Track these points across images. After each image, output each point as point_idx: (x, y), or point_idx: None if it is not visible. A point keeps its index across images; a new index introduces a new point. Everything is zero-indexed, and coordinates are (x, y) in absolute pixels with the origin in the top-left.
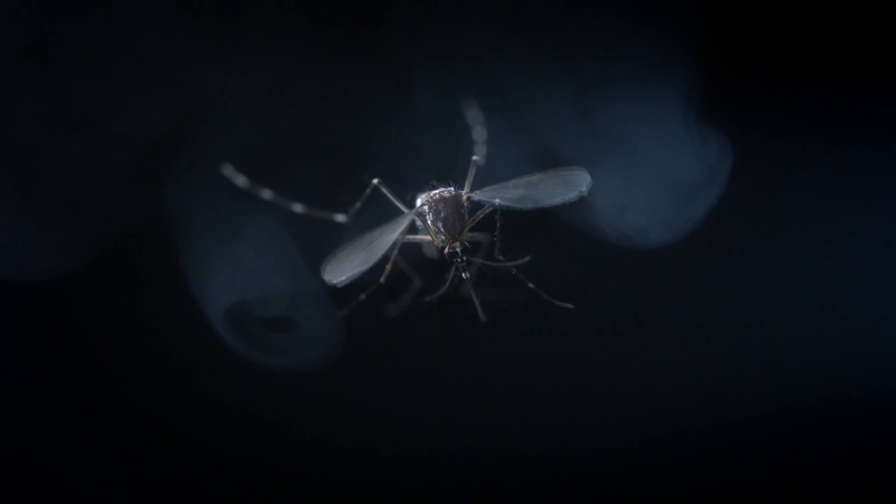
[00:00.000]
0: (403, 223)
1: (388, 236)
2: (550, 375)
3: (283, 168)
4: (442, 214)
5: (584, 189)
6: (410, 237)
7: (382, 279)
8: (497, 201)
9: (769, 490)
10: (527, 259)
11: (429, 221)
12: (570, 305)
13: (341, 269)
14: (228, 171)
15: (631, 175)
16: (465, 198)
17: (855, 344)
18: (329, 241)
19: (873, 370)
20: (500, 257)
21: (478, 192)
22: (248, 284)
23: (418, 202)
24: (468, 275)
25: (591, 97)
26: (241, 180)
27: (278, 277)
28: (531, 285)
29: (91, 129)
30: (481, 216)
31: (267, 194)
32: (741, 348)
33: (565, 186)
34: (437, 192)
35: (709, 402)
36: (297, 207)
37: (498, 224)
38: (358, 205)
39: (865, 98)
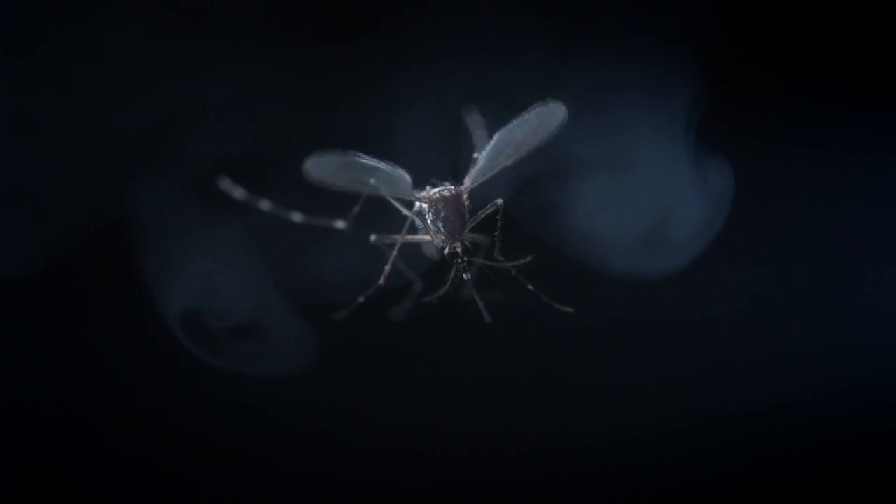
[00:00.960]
0: (400, 182)
1: (375, 183)
2: (549, 376)
3: (275, 173)
4: (442, 214)
5: (563, 118)
6: (410, 237)
7: (382, 280)
8: (499, 200)
9: (768, 488)
10: (529, 259)
11: (429, 221)
12: (569, 309)
13: (323, 167)
14: (225, 184)
15: (628, 191)
16: (465, 196)
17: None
18: (302, 246)
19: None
20: (500, 258)
21: (472, 170)
22: (211, 290)
23: (417, 202)
24: (469, 275)
25: (594, 104)
26: (238, 192)
27: (243, 284)
28: (531, 287)
29: (58, 134)
30: (483, 216)
31: (265, 205)
32: (741, 349)
33: (543, 124)
34: (436, 190)
35: (708, 402)
36: (296, 216)
37: (499, 224)
38: (357, 208)
39: (870, 107)
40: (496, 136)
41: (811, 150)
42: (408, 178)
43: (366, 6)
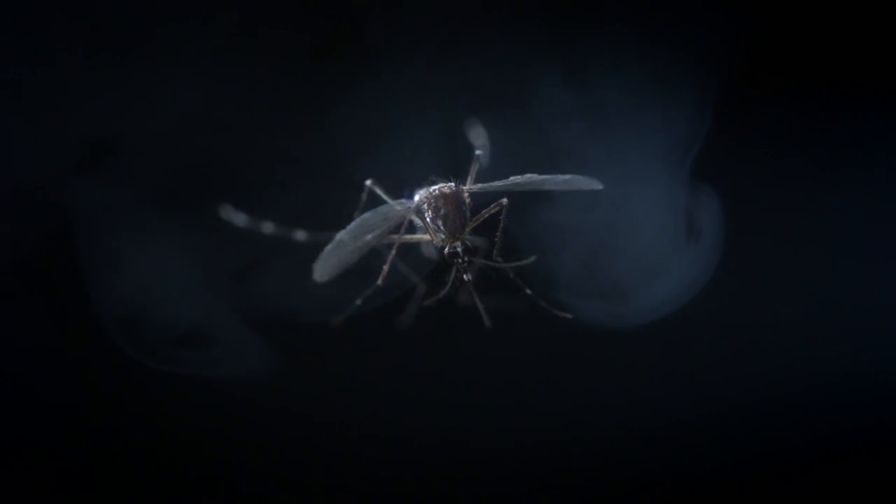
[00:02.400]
0: (396, 215)
1: (379, 231)
2: (547, 376)
3: (269, 181)
4: (442, 212)
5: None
6: (408, 237)
7: (380, 281)
8: (504, 200)
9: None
10: (531, 259)
11: (428, 219)
12: (568, 315)
13: (330, 268)
14: (227, 212)
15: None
16: (466, 193)
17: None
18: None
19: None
20: (499, 258)
21: (480, 184)
22: (155, 298)
23: (416, 199)
24: (470, 276)
25: (598, 111)
26: (240, 219)
27: (187, 292)
28: (529, 291)
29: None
30: (486, 215)
31: (267, 227)
32: (739, 348)
33: (571, 186)
34: (436, 187)
35: (707, 402)
36: (299, 235)
37: (501, 224)
38: (357, 215)
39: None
40: (520, 178)
41: (811, 174)
42: (397, 205)
43: (365, 7)
